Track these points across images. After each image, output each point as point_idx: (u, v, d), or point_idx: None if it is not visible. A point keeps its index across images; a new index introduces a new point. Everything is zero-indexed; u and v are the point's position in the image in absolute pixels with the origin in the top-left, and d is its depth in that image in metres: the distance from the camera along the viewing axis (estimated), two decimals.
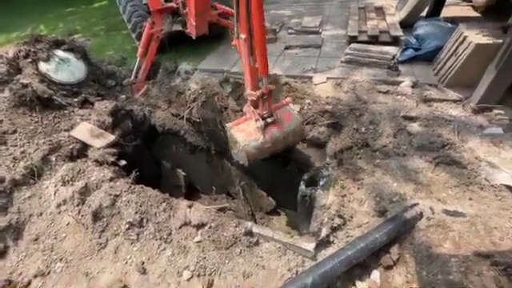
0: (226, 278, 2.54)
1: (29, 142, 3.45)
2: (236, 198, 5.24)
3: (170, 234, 2.81)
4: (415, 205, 2.63)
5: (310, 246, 2.51)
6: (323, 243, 2.58)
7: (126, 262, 2.70)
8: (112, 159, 3.64)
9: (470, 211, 2.51)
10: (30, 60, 3.97)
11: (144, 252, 2.75)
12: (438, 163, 3.02)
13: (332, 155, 3.38)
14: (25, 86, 3.63)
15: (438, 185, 2.83)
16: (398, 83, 3.93)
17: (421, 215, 2.54)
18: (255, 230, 2.72)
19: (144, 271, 2.63)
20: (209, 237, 2.74)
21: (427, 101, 3.68)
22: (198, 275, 2.57)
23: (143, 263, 2.68)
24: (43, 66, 4.04)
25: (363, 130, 3.49)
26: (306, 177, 3.30)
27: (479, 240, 2.31)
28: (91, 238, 2.83)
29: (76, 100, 4.14)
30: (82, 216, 2.95)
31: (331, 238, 2.60)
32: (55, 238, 2.90)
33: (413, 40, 4.63)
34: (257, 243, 2.71)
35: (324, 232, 2.57)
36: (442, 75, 3.95)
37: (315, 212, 2.80)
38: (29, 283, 2.71)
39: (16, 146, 3.41)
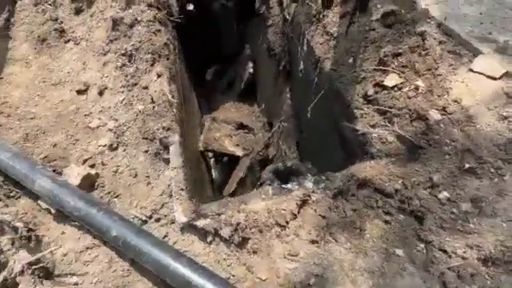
0: (123, 158, 2.28)
1: None
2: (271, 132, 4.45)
3: (135, 85, 2.59)
4: None
5: (181, 218, 1.77)
6: (196, 229, 1.78)
7: None
8: None
9: None
10: None
11: None
12: None
13: (348, 175, 1.89)
14: None
15: None
16: None
17: None
18: (172, 148, 2.11)
19: None
20: (146, 114, 2.37)
21: None
22: (117, 137, 2.40)
23: None
24: None
25: (443, 195, 1.65)
26: (288, 163, 2.12)
27: None
28: None
29: None
30: None
31: (208, 238, 1.73)
32: None
33: None
34: (166, 161, 2.16)
35: (203, 224, 1.69)
36: None
37: (233, 199, 1.84)
38: None
39: None
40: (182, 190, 1.88)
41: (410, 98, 2.03)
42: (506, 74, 1.83)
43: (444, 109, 1.85)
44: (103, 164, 2.21)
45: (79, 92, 2.75)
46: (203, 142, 3.56)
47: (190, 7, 3.42)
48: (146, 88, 2.52)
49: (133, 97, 2.53)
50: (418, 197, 1.72)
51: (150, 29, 2.74)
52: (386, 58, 2.21)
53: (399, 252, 1.62)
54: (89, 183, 2.04)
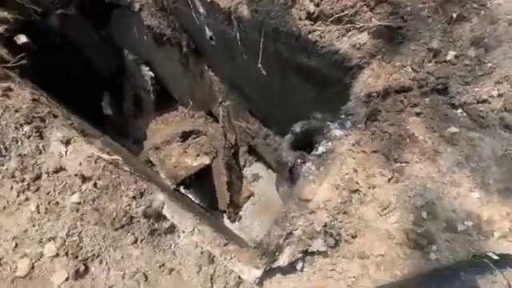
0: (109, 271, 1.52)
1: None
2: (219, 120, 3.92)
3: (39, 178, 1.67)
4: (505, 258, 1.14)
5: (252, 274, 1.28)
6: (280, 269, 1.34)
7: None
8: None
9: None
10: None
11: None
12: None
13: (362, 97, 1.69)
14: None
15: None
16: None
17: None
18: (167, 212, 1.48)
19: None
20: (92, 200, 1.58)
21: None
22: (67, 254, 1.56)
23: None
24: None
25: (450, 55, 1.61)
26: (296, 128, 1.76)
27: None
28: None
29: None
30: None
31: (299, 265, 1.34)
32: None
33: None
34: (170, 230, 1.53)
35: (285, 258, 1.27)
36: None
37: (287, 206, 1.43)
38: None
39: None
40: (225, 245, 1.35)
41: None
42: None
43: None
44: None
45: None
46: (169, 178, 2.84)
47: (23, 39, 2.31)
48: (58, 171, 1.66)
49: (49, 193, 1.65)
50: (430, 72, 1.64)
51: None
52: None
53: (453, 129, 1.56)
54: None
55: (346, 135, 1.58)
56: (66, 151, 1.59)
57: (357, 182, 1.42)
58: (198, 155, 3.46)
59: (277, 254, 1.29)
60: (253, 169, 3.89)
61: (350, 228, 1.35)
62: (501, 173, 1.35)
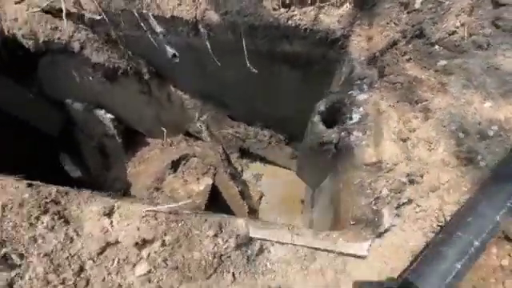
0: None
1: None
2: (200, 138, 3.74)
3: (83, 268, 1.37)
4: None
5: (364, 247, 1.33)
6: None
7: None
8: None
9: None
10: None
11: None
12: None
13: (367, 60, 1.85)
14: None
15: None
16: None
17: None
18: (256, 232, 1.40)
19: None
20: (165, 261, 1.38)
21: None
22: None
23: None
24: None
25: (418, 4, 1.88)
26: (321, 107, 1.83)
27: None
28: None
29: None
30: None
31: (394, 221, 1.44)
32: None
33: None
34: (260, 250, 1.45)
35: (388, 219, 1.36)
36: None
37: (358, 175, 1.51)
38: None
39: None
40: (328, 234, 1.36)
41: None
42: None
43: None
44: None
45: None
46: (191, 208, 2.60)
47: None
48: (104, 250, 1.39)
49: (105, 280, 1.37)
50: (407, 22, 1.89)
51: None
52: None
53: (442, 62, 1.84)
54: None
55: (370, 96, 1.72)
56: (111, 222, 1.34)
57: (402, 131, 1.57)
58: (198, 178, 3.26)
59: (377, 219, 1.36)
60: (252, 170, 3.86)
61: (416, 170, 1.50)
62: (494, 81, 1.67)
